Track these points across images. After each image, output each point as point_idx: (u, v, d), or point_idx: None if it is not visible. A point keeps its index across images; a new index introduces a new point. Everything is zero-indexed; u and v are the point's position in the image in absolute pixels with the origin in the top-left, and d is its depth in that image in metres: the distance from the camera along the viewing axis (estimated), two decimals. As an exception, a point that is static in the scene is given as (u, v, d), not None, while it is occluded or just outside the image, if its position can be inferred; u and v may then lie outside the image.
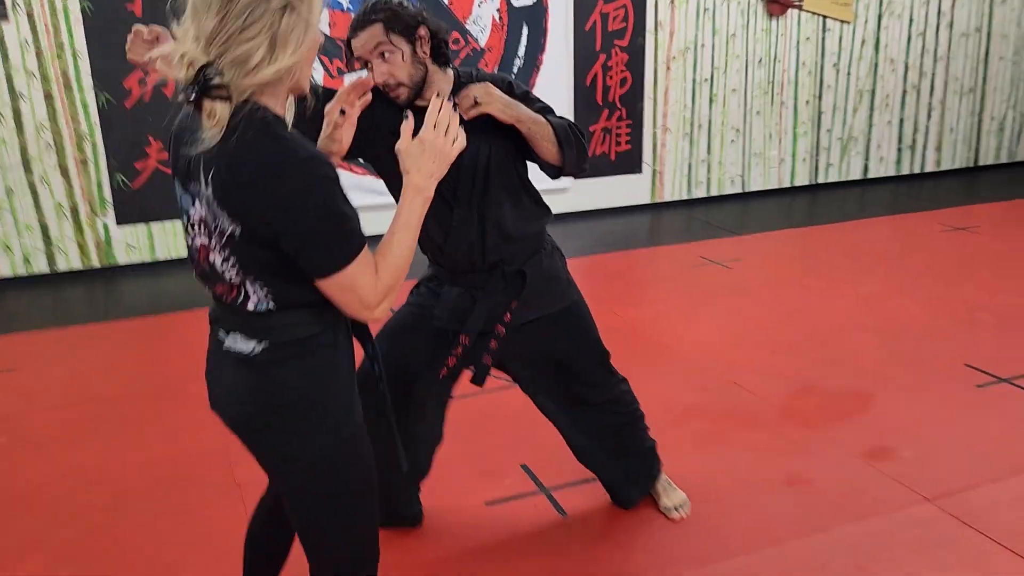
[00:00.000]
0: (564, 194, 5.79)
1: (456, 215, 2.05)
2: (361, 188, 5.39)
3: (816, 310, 4.14)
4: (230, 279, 1.39)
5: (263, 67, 1.25)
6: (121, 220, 5.02)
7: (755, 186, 6.54)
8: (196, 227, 1.40)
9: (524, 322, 2.18)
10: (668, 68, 6.04)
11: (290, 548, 1.83)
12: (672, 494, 2.52)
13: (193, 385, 3.42)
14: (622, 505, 2.52)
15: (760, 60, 6.28)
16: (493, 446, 2.88)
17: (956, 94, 7.01)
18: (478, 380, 2.17)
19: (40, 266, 4.94)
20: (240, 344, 1.43)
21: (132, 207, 5.01)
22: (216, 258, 1.38)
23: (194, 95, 1.24)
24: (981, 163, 7.33)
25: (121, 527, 2.52)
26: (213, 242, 1.37)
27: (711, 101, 6.23)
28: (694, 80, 6.14)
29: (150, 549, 2.40)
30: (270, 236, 1.31)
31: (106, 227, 5.00)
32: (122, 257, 5.08)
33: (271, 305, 1.39)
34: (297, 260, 1.34)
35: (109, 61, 4.70)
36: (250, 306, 1.40)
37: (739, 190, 6.49)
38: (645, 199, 6.28)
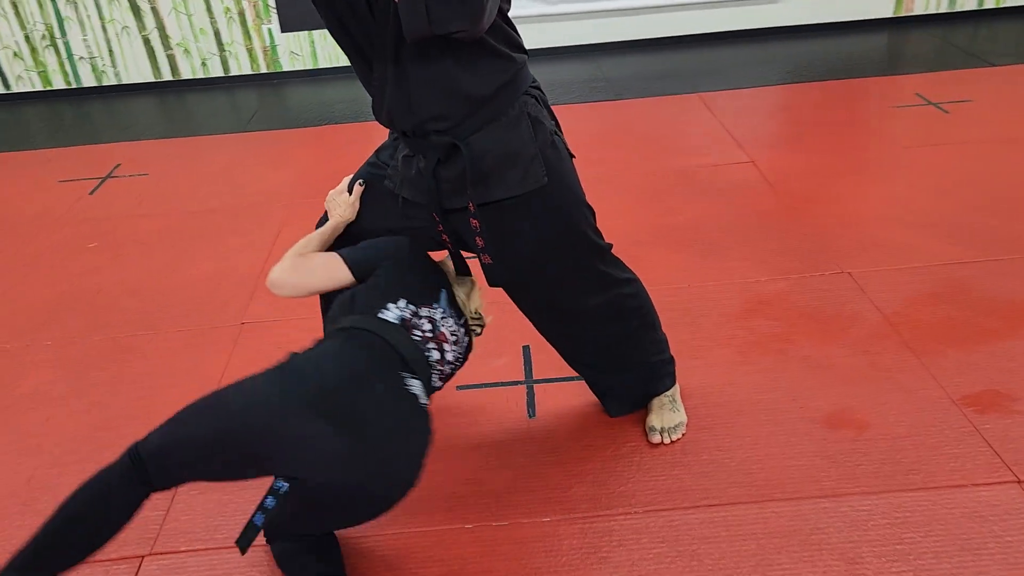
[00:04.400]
0: (777, 4, 4.74)
1: (376, 72, 1.61)
2: None
3: (1036, 179, 3.07)
4: None
5: None
6: (285, 27, 4.96)
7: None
8: None
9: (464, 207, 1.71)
10: None
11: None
12: (665, 414, 2.01)
13: (279, 203, 3.36)
14: (608, 414, 2.08)
15: None
16: (500, 323, 2.49)
17: None
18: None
19: (216, 70, 5.09)
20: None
21: (294, 14, 4.92)
22: None
23: None
24: None
25: (139, 347, 2.54)
26: None
27: None
28: None
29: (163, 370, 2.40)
30: None
31: (271, 33, 4.99)
32: (286, 64, 5.07)
33: None
34: None
35: None
36: None
37: (1027, 2, 4.97)
38: (887, 12, 5.02)
